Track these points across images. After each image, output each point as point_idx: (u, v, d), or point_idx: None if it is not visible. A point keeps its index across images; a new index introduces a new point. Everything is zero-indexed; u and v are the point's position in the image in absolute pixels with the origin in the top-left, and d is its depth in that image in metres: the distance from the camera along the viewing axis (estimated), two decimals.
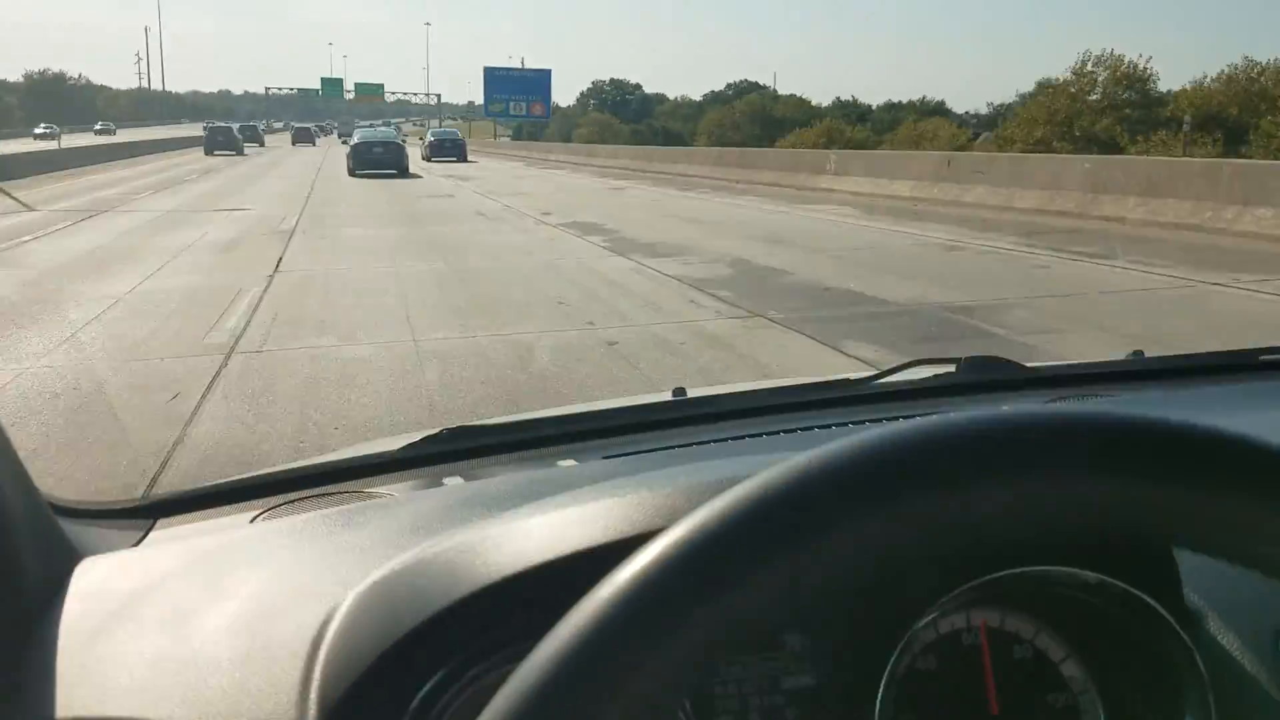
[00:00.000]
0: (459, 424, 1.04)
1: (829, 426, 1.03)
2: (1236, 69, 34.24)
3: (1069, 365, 1.28)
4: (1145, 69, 36.27)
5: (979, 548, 0.40)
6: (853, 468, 0.38)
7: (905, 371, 1.15)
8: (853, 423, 1.03)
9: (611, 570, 0.37)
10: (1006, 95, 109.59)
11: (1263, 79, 33.15)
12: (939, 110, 57.92)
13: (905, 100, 61.53)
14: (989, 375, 1.17)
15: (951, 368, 1.16)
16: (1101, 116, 34.75)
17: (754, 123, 52.19)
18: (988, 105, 64.02)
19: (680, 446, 0.99)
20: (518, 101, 69.42)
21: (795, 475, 0.38)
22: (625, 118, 66.21)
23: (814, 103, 59.85)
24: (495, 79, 70.45)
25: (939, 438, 0.39)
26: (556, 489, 0.70)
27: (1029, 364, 1.21)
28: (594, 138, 56.88)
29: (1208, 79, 35.28)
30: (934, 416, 0.41)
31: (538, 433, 1.07)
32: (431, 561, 0.61)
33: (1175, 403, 1.12)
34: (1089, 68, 36.25)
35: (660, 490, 0.57)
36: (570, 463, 0.97)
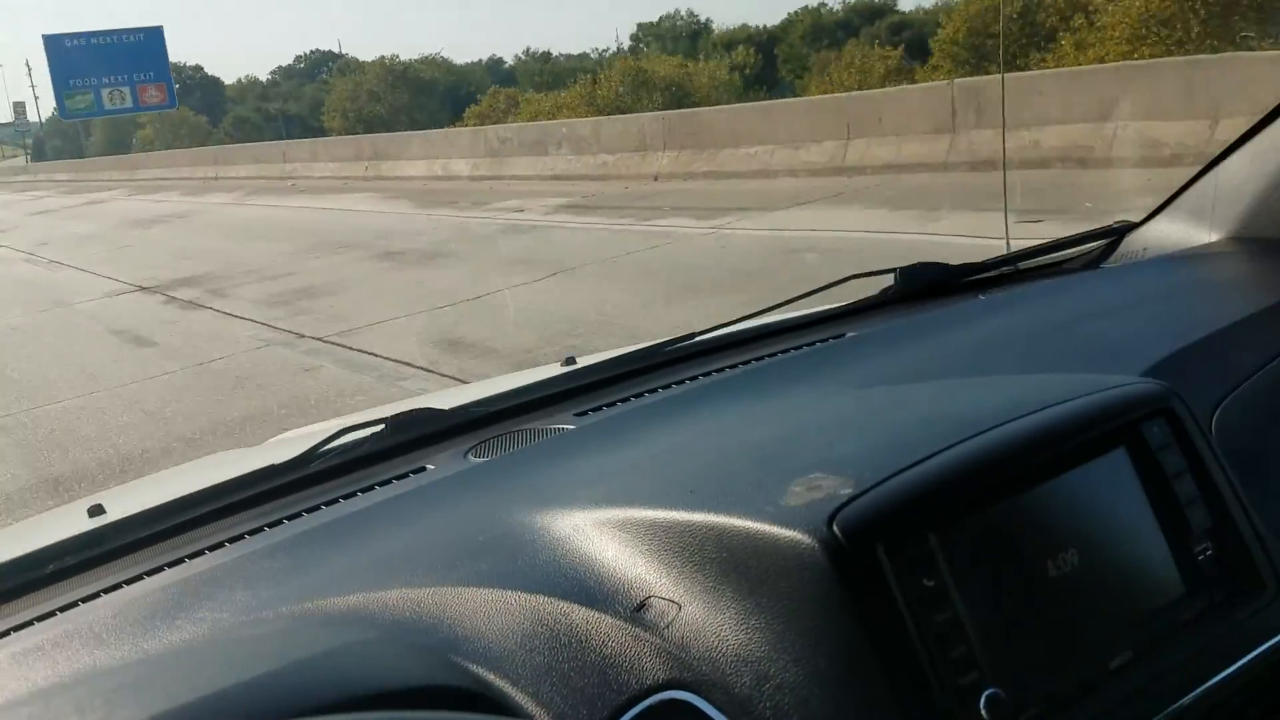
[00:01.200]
0: None
1: (274, 523, 1.05)
2: None
3: (494, 397, 1.32)
4: None
5: None
6: None
7: (337, 440, 1.17)
8: (270, 522, 1.05)
9: None
10: (620, 39, 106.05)
11: None
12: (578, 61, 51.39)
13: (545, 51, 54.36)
14: (417, 431, 1.22)
15: (380, 428, 1.20)
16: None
17: (394, 91, 41.06)
18: (594, 50, 58.79)
19: (68, 609, 0.92)
20: (117, 88, 41.89)
21: None
22: (195, 108, 50.53)
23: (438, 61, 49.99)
24: (68, 54, 41.11)
25: None
26: None
27: (451, 408, 1.28)
28: (166, 141, 42.14)
29: None
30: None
31: None
32: None
33: (598, 434, 1.17)
34: None
35: None
36: None
